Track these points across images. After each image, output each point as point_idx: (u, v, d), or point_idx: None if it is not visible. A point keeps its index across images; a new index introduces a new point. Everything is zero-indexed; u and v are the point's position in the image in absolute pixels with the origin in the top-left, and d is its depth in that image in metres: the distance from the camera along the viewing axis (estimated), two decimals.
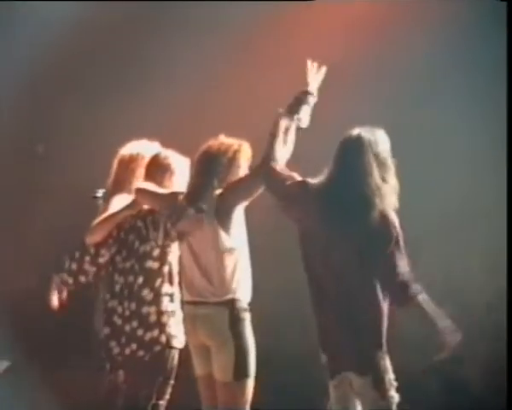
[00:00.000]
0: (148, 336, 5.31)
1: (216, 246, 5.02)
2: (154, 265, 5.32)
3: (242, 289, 5.10)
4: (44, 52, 8.45)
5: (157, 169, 5.33)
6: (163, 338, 5.32)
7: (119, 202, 5.44)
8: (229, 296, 5.00)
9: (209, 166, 5.14)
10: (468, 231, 7.52)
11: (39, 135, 8.92)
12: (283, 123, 5.06)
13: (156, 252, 5.33)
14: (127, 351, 5.33)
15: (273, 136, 5.05)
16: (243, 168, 5.21)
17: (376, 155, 4.68)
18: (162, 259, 5.36)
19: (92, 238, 5.39)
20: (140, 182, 5.37)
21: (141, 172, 5.46)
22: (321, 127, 6.96)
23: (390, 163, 4.73)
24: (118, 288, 5.41)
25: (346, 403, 4.72)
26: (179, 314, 5.39)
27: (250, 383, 5.05)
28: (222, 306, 5.00)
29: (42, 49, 8.48)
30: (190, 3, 8.51)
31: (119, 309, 5.39)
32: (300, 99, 5.15)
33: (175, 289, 5.39)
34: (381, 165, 4.69)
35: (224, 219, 5.02)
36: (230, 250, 5.03)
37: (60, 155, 8.51)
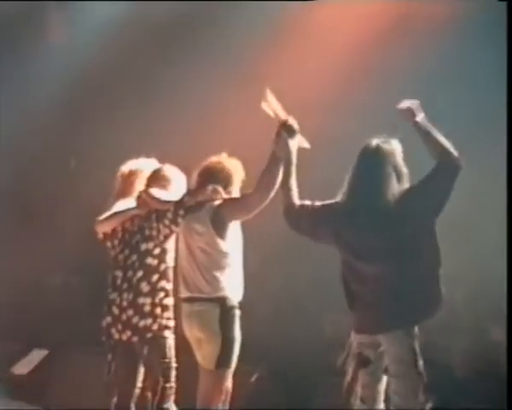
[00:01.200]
0: (141, 323, 5.41)
1: (211, 250, 5.13)
2: (154, 262, 5.42)
3: (233, 289, 5.18)
4: (75, 76, 8.60)
5: (158, 181, 5.50)
6: (155, 327, 5.42)
7: (123, 205, 5.57)
8: (221, 294, 5.10)
9: (208, 179, 5.25)
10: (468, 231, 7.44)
11: (72, 150, 9.06)
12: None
13: (157, 250, 5.42)
14: (124, 337, 5.41)
15: (288, 165, 4.98)
16: (236, 186, 5.28)
17: (395, 166, 4.70)
18: (161, 257, 5.45)
19: (101, 228, 5.54)
20: (154, 190, 5.47)
21: (139, 184, 5.60)
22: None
23: (405, 170, 4.74)
24: (118, 282, 5.50)
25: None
26: (172, 309, 5.49)
27: (229, 374, 5.17)
28: (214, 302, 5.10)
29: (73, 73, 8.61)
30: (195, 30, 8.63)
31: (118, 300, 5.47)
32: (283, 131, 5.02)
33: (170, 286, 5.48)
34: (399, 174, 4.71)
35: (219, 227, 5.14)
36: (224, 254, 5.14)
37: (87, 169, 8.65)
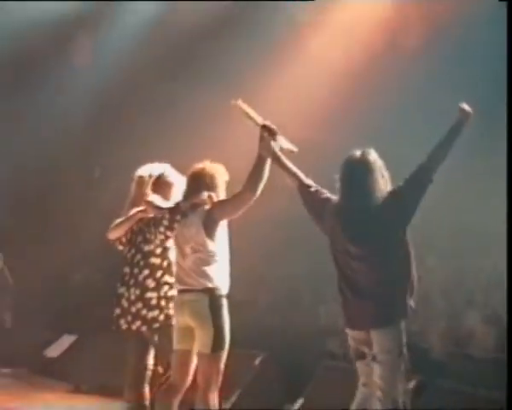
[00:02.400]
0: (149, 315, 5.51)
1: (201, 249, 5.21)
2: (157, 260, 5.54)
3: (220, 281, 5.26)
4: (97, 95, 8.77)
5: (162, 184, 5.58)
6: (161, 317, 5.53)
7: (135, 210, 5.61)
8: (209, 285, 5.19)
9: (196, 184, 5.31)
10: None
11: (97, 161, 9.24)
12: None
13: (158, 250, 5.54)
14: (133, 327, 5.50)
15: (279, 160, 5.09)
16: (221, 187, 5.38)
17: (380, 172, 4.79)
18: (163, 255, 5.56)
19: (113, 235, 5.63)
20: (150, 195, 5.57)
21: (148, 189, 5.62)
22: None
23: (386, 175, 4.82)
24: (126, 278, 5.59)
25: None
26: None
27: (224, 355, 5.23)
28: (203, 293, 5.18)
29: (96, 92, 8.80)
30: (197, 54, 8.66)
31: (126, 294, 5.55)
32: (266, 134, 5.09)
33: (173, 279, 5.52)
34: (383, 178, 4.79)
35: (209, 229, 5.23)
36: (213, 253, 5.23)
37: (111, 179, 8.72)
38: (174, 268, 5.43)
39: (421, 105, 7.56)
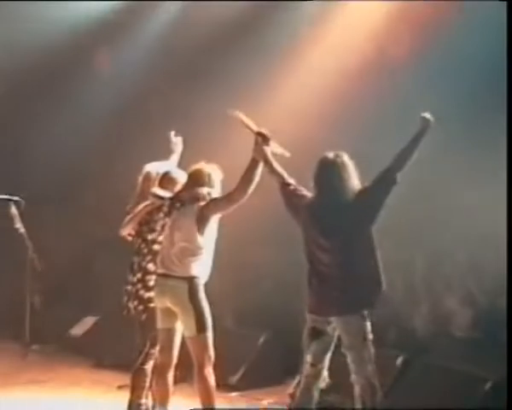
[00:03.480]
0: (146, 295, 5.65)
1: (190, 242, 5.32)
2: (158, 247, 5.65)
3: (201, 272, 5.36)
4: (117, 100, 8.86)
5: (167, 181, 5.72)
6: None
7: (141, 206, 5.80)
8: (190, 275, 5.31)
9: (195, 181, 5.45)
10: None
11: (117, 163, 8.86)
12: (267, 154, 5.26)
13: (160, 238, 5.64)
14: (131, 306, 5.69)
15: (268, 163, 5.20)
16: (217, 185, 5.49)
17: (350, 172, 4.94)
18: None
19: (124, 230, 5.82)
20: (155, 188, 5.69)
21: (156, 184, 5.74)
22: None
23: (356, 175, 4.97)
24: (135, 266, 5.75)
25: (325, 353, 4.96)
26: None
27: (209, 335, 5.32)
28: (184, 280, 5.29)
29: (116, 97, 8.92)
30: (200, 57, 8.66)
31: (132, 280, 5.73)
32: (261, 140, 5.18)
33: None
34: (353, 178, 4.95)
35: (201, 223, 5.32)
36: (200, 247, 5.34)
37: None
38: (160, 253, 5.50)
39: (410, 111, 6.98)
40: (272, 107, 7.48)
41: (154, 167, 6.00)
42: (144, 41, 9.02)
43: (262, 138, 5.27)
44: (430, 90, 7.17)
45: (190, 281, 5.33)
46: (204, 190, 5.43)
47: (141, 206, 5.81)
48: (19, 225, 7.55)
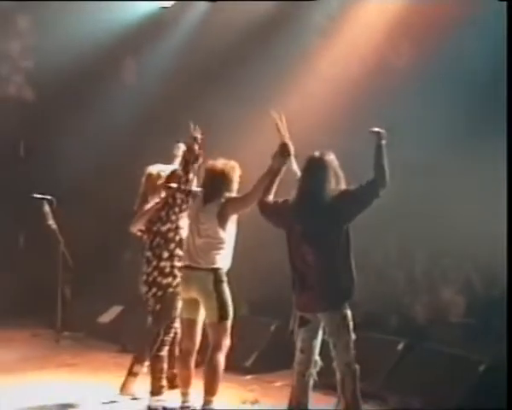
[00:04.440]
0: (164, 281, 5.72)
1: (213, 237, 5.41)
2: (171, 235, 5.76)
3: (224, 263, 5.46)
4: (141, 109, 8.90)
5: (174, 178, 5.81)
6: (174, 284, 5.71)
7: (149, 205, 5.92)
8: (214, 266, 5.41)
9: (214, 177, 5.49)
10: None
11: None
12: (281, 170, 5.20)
13: (173, 228, 5.73)
14: (150, 294, 5.73)
15: (275, 176, 5.15)
16: (235, 181, 5.53)
17: (334, 172, 4.88)
18: (176, 232, 5.75)
19: (134, 228, 5.93)
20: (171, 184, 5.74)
21: (159, 183, 5.87)
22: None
23: (341, 174, 4.91)
24: (150, 258, 5.81)
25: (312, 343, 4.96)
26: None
27: (229, 323, 5.41)
28: (209, 271, 5.40)
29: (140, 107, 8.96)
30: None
31: (148, 270, 5.78)
32: (284, 153, 5.10)
33: (182, 253, 5.70)
34: (337, 178, 4.90)
35: (222, 220, 5.41)
36: (222, 241, 5.43)
37: None
38: (185, 246, 5.56)
39: (412, 118, 7.29)
40: (282, 112, 7.57)
41: (156, 169, 6.11)
42: (168, 51, 9.19)
43: (284, 150, 5.19)
44: (434, 98, 7.21)
45: (215, 272, 5.42)
46: (222, 187, 5.46)
47: (150, 204, 5.90)
48: (51, 221, 7.80)
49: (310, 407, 5.08)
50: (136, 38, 9.29)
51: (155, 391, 5.83)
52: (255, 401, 6.35)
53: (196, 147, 5.61)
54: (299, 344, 5.04)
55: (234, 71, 8.51)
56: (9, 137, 10.08)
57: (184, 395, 5.71)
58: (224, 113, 8.29)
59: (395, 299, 7.40)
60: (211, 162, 5.56)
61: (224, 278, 5.46)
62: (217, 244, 5.47)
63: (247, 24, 8.50)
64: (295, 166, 5.21)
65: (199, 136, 5.62)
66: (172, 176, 5.91)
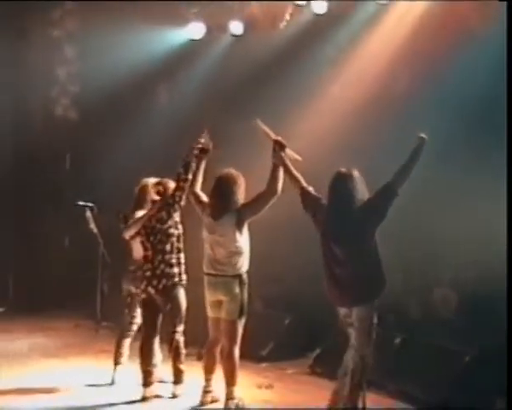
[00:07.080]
0: (171, 272, 5.75)
1: (235, 245, 5.45)
2: (171, 230, 5.79)
3: (245, 266, 5.51)
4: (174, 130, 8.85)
5: (158, 186, 5.90)
6: (180, 272, 5.79)
7: (141, 212, 5.92)
8: (239, 272, 5.48)
9: (224, 185, 5.47)
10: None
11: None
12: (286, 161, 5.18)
13: (172, 224, 5.77)
14: (160, 286, 5.73)
15: (280, 170, 5.18)
16: (242, 190, 5.50)
17: (360, 184, 4.98)
18: (175, 227, 5.80)
19: (128, 233, 5.90)
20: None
21: (151, 194, 5.90)
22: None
23: (365, 187, 4.98)
24: (152, 257, 5.79)
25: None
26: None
27: (243, 320, 5.51)
28: (235, 277, 5.46)
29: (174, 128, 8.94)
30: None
31: (147, 266, 5.77)
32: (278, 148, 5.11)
33: (182, 245, 5.79)
34: (362, 190, 4.99)
35: (239, 227, 5.42)
36: (240, 248, 5.47)
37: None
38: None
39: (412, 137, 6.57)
40: (298, 131, 7.45)
41: (149, 180, 6.20)
42: (196, 78, 9.27)
43: (279, 145, 5.22)
44: (431, 119, 6.98)
45: (240, 277, 5.49)
46: (235, 196, 5.47)
47: (141, 212, 5.90)
48: (92, 226, 7.90)
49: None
50: (169, 66, 9.39)
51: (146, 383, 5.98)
52: (269, 386, 6.45)
53: (196, 149, 5.65)
54: (351, 340, 5.03)
55: (254, 95, 8.57)
56: (57, 151, 10.31)
57: (208, 380, 5.82)
58: (245, 132, 7.97)
59: (393, 299, 7.19)
60: (221, 172, 5.53)
61: (247, 281, 5.52)
62: (238, 252, 5.49)
63: (266, 55, 8.59)
64: (294, 155, 5.28)
65: (203, 140, 5.65)
66: (156, 185, 5.95)
